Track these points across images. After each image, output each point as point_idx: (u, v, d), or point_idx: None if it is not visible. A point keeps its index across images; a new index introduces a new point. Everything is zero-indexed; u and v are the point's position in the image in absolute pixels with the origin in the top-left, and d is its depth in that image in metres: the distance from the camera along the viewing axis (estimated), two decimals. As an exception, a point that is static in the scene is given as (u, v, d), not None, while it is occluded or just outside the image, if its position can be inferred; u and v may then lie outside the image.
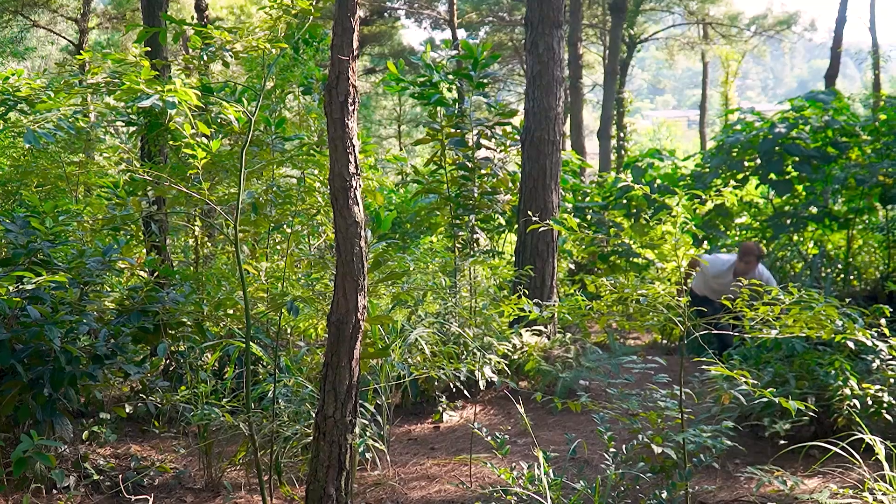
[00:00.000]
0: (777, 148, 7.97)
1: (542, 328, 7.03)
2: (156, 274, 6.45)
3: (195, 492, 4.59)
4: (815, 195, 8.23)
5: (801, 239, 8.67)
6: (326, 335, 6.32)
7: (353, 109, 3.27)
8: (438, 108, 7.76)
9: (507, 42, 30.31)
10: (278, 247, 8.07)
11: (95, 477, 4.54)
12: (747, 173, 8.54)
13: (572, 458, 4.47)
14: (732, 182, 8.66)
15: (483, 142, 7.70)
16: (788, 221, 8.18)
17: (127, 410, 5.21)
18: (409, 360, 5.89)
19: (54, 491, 4.39)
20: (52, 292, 4.32)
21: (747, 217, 9.46)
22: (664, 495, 3.35)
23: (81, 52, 5.94)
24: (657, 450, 3.81)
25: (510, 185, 8.08)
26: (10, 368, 4.16)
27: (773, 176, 8.15)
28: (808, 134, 8.06)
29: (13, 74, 5.54)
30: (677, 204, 9.12)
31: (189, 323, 5.29)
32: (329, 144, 3.30)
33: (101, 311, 5.18)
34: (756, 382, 3.56)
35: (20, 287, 3.65)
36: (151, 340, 5.08)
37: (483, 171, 7.62)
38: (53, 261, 4.52)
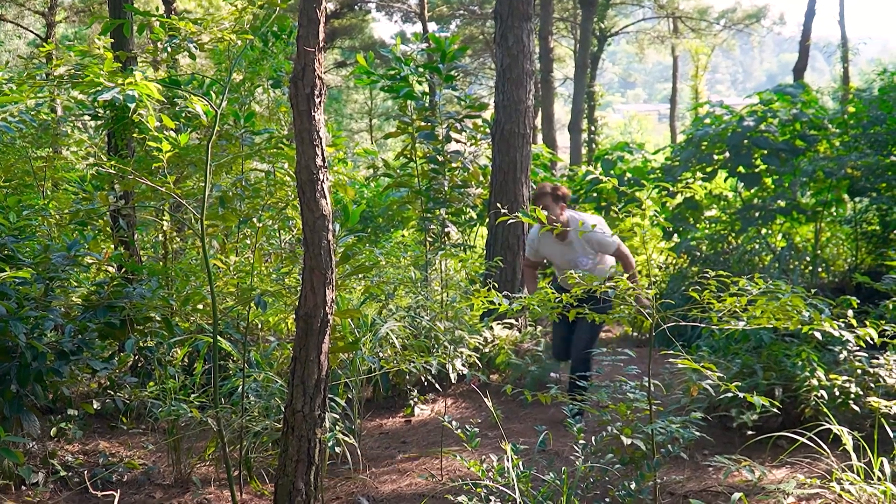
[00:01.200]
0: (746, 141, 8.02)
1: (512, 321, 7.05)
2: (123, 269, 6.39)
3: (164, 488, 4.55)
4: (784, 188, 8.30)
5: (770, 231, 8.73)
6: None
7: (320, 101, 3.25)
8: (409, 102, 7.74)
9: (479, 35, 30.32)
10: (248, 241, 8.02)
11: (63, 473, 4.49)
12: (716, 166, 8.59)
13: (542, 450, 4.48)
14: (701, 175, 8.72)
15: (453, 135, 7.69)
16: (757, 214, 8.23)
17: (95, 407, 5.16)
18: (380, 353, 5.87)
19: (23, 487, 4.34)
20: (17, 288, 4.26)
21: (716, 210, 9.52)
22: (633, 486, 3.37)
23: (46, 44, 5.86)
24: (626, 441, 3.83)
25: (481, 178, 8.07)
26: (-25, 364, 4.11)
27: (741, 169, 8.19)
28: (777, 127, 8.11)
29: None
30: (647, 197, 9.19)
31: (157, 318, 5.25)
32: (296, 137, 3.28)
33: (67, 307, 5.12)
34: (723, 375, 3.58)
35: (-17, 282, 3.60)
36: (119, 336, 5.03)
37: (454, 165, 7.61)
38: (18, 256, 4.46)
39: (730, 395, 4.92)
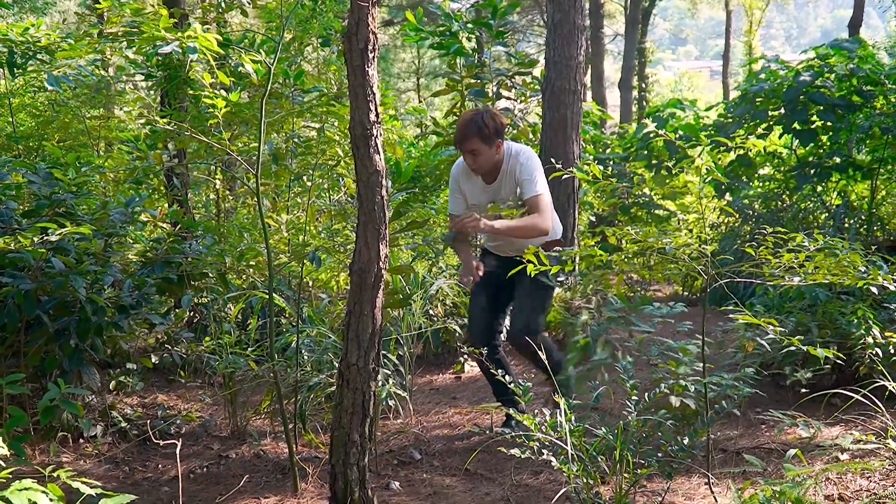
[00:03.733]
0: (802, 97, 7.83)
1: (562, 279, 7.03)
2: (178, 226, 6.48)
3: (221, 440, 4.66)
4: (840, 144, 8.11)
5: (825, 189, 8.56)
6: (348, 286, 6.35)
7: (373, 57, 3.24)
8: (458, 59, 7.69)
9: (527, -8, 29.90)
10: (298, 199, 8.09)
11: (123, 425, 4.61)
12: (771, 123, 8.42)
13: (594, 407, 4.49)
14: (755, 132, 8.54)
15: (503, 92, 7.64)
16: (812, 171, 8.05)
17: (153, 361, 5.27)
18: (431, 311, 5.92)
19: (81, 440, 4.46)
20: (77, 243, 4.36)
21: (770, 168, 9.35)
22: (686, 442, 3.36)
23: (99, 3, 5.92)
24: (675, 400, 3.82)
25: (530, 136, 8.02)
26: (37, 319, 4.22)
27: (797, 125, 8.00)
28: (833, 82, 7.91)
29: (32, 26, 5.52)
30: (699, 154, 9.04)
31: (212, 274, 5.33)
32: (349, 92, 3.28)
33: (124, 263, 5.22)
34: (783, 329, 3.55)
35: (44, 238, 3.68)
36: (175, 291, 5.12)
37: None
38: (77, 212, 4.55)
39: (783, 352, 4.90)
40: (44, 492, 2.41)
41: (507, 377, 4.20)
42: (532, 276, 4.03)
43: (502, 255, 4.60)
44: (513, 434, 3.31)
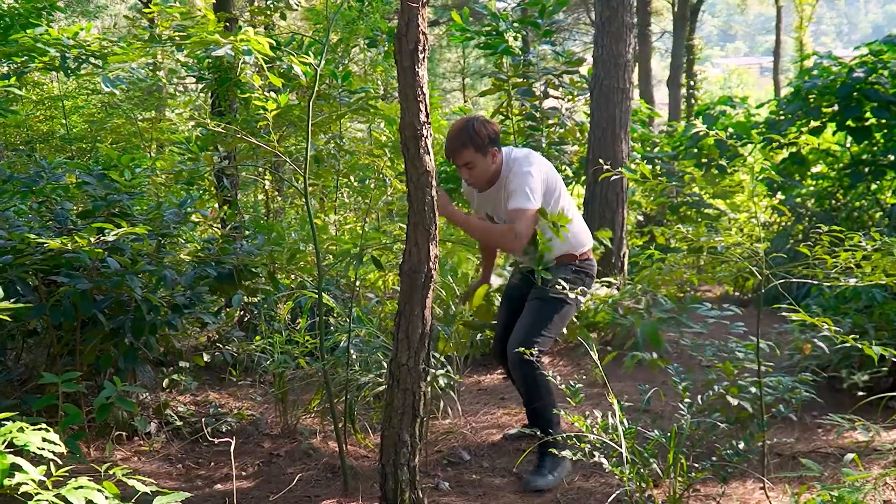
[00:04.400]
0: (855, 93, 7.70)
1: (611, 279, 6.98)
2: (230, 226, 6.55)
3: (272, 438, 4.70)
4: (894, 142, 7.95)
5: (880, 187, 8.39)
6: (396, 286, 6.37)
7: (424, 57, 3.24)
8: (504, 58, 7.68)
9: (574, -10, 29.72)
10: (346, 199, 8.14)
11: (177, 423, 4.67)
12: (824, 120, 8.28)
13: (645, 409, 4.45)
14: (808, 129, 8.40)
15: (550, 91, 7.61)
16: (866, 169, 7.91)
17: (205, 359, 5.34)
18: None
19: (135, 437, 4.53)
20: (131, 244, 4.43)
21: (823, 166, 9.19)
22: (741, 446, 3.32)
23: (150, 5, 6.02)
24: (733, 401, 3.77)
25: (578, 135, 7.98)
26: (92, 318, 4.29)
27: (850, 122, 7.88)
28: (888, 79, 7.75)
29: (82, 30, 5.61)
30: (750, 152, 8.91)
31: (262, 274, 5.38)
32: (399, 93, 3.28)
33: (176, 263, 5.29)
34: (839, 329, 3.49)
35: (101, 238, 3.74)
36: (227, 291, 5.17)
37: (551, 121, 7.54)
38: (132, 213, 4.62)
39: (840, 355, 4.81)
40: (99, 490, 2.45)
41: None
42: (540, 290, 4.01)
43: (524, 268, 4.32)
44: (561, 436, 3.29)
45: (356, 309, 5.33)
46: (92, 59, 5.87)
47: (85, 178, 4.57)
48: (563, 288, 3.94)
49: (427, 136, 3.29)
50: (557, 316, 4.12)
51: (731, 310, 4.10)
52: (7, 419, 2.53)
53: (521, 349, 3.80)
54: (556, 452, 3.25)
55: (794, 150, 8.49)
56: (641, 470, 3.12)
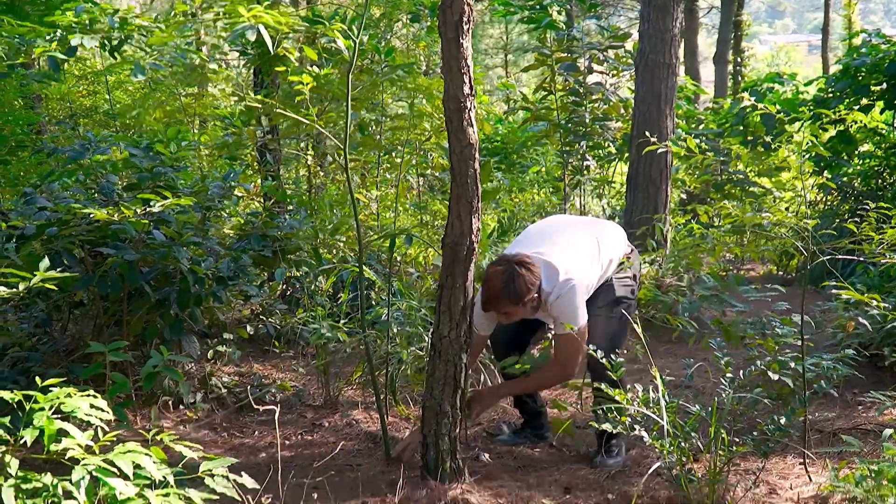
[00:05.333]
0: (904, 72, 7.58)
1: (654, 257, 6.93)
2: (273, 200, 6.60)
3: (315, 408, 4.76)
4: (944, 122, 7.81)
5: (927, 166, 8.23)
6: (436, 261, 6.38)
7: (468, 29, 3.23)
8: (548, 33, 7.63)
9: (618, -35, 29.35)
10: (387, 175, 8.16)
11: (222, 392, 4.75)
12: (873, 98, 8.13)
13: (686, 385, 4.44)
14: (857, 108, 8.25)
15: (594, 66, 7.55)
16: (914, 148, 7.81)
17: (248, 331, 5.40)
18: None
19: (181, 406, 4.61)
20: (177, 216, 4.48)
21: (870, 144, 9.03)
22: (782, 421, 3.29)
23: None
24: (774, 377, 3.74)
25: (622, 111, 7.91)
26: (138, 289, 4.36)
27: (899, 101, 7.76)
28: (937, 58, 7.60)
29: (118, 10, 5.68)
30: (799, 129, 8.76)
31: (305, 248, 5.42)
32: (443, 65, 3.28)
33: (220, 237, 5.36)
34: (887, 305, 3.44)
35: (147, 210, 3.79)
36: (270, 264, 5.23)
37: (594, 97, 7.48)
38: (177, 186, 4.67)
39: (882, 333, 4.75)
40: (147, 454, 2.50)
41: (530, 400, 4.22)
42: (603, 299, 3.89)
43: None
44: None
45: (397, 283, 5.36)
46: (132, 41, 5.92)
47: (131, 151, 4.63)
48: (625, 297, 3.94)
49: (471, 109, 3.29)
50: (620, 320, 3.96)
51: (776, 289, 4.06)
52: (54, 386, 2.59)
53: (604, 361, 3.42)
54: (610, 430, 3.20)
55: (841, 128, 8.35)
56: (682, 444, 3.12)
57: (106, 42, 5.19)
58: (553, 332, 3.85)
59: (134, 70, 4.98)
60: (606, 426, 3.17)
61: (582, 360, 3.79)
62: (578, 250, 3.83)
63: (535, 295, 3.65)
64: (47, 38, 5.44)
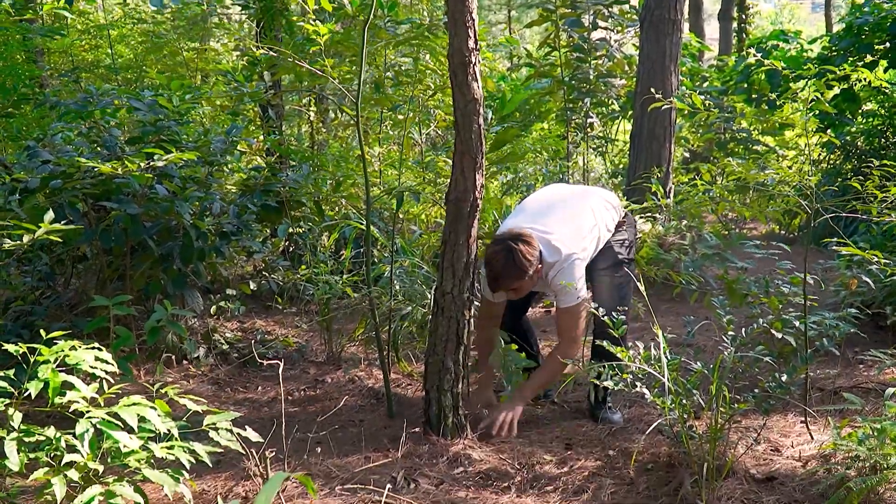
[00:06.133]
0: (907, 30, 7.52)
1: (656, 215, 6.92)
2: (276, 156, 6.57)
3: (317, 364, 4.78)
4: (946, 80, 7.76)
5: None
6: (438, 218, 6.38)
7: (474, -18, 3.20)
8: (553, -12, 7.53)
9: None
10: (391, 132, 8.11)
11: (224, 348, 4.77)
12: (876, 57, 8.06)
13: (688, 343, 4.45)
14: (861, 65, 8.18)
15: (599, 22, 7.47)
16: (918, 107, 7.76)
17: (251, 287, 5.41)
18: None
19: (184, 361, 4.63)
20: (180, 170, 4.47)
21: (874, 103, 8.97)
22: (784, 378, 3.31)
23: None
24: (777, 335, 3.75)
25: (626, 68, 7.84)
26: (141, 243, 4.36)
27: (902, 60, 7.71)
28: (940, 16, 7.53)
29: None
30: (804, 87, 8.67)
31: (308, 204, 5.41)
32: (448, 19, 3.24)
33: (223, 192, 5.34)
34: (889, 262, 3.44)
35: (150, 164, 3.78)
36: (274, 220, 5.22)
37: (599, 53, 7.41)
38: (180, 139, 4.65)
39: (885, 292, 4.76)
40: (152, 407, 2.52)
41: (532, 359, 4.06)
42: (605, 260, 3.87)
43: None
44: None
45: (400, 241, 5.36)
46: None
47: (135, 104, 4.60)
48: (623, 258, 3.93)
49: (475, 63, 3.26)
50: (627, 284, 3.99)
51: (779, 246, 4.06)
52: (58, 339, 2.59)
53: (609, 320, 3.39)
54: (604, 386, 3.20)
55: (845, 86, 8.29)
56: (683, 401, 3.13)
57: None
58: (555, 308, 3.86)
59: (153, 0, 4.90)
60: (608, 383, 3.18)
61: (586, 329, 3.85)
62: (577, 223, 3.82)
63: (539, 266, 3.63)
64: None
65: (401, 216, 6.55)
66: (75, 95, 5.15)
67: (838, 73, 3.92)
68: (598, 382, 3.22)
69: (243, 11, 7.12)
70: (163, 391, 2.71)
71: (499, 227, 5.54)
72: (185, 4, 4.93)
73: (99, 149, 4.54)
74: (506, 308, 4.02)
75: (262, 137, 7.17)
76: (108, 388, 2.61)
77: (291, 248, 6.19)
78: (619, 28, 7.72)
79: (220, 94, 6.14)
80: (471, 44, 3.22)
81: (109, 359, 2.63)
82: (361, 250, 5.12)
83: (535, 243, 3.61)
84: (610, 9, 7.51)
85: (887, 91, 8.66)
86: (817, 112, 4.22)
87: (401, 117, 6.38)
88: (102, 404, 2.51)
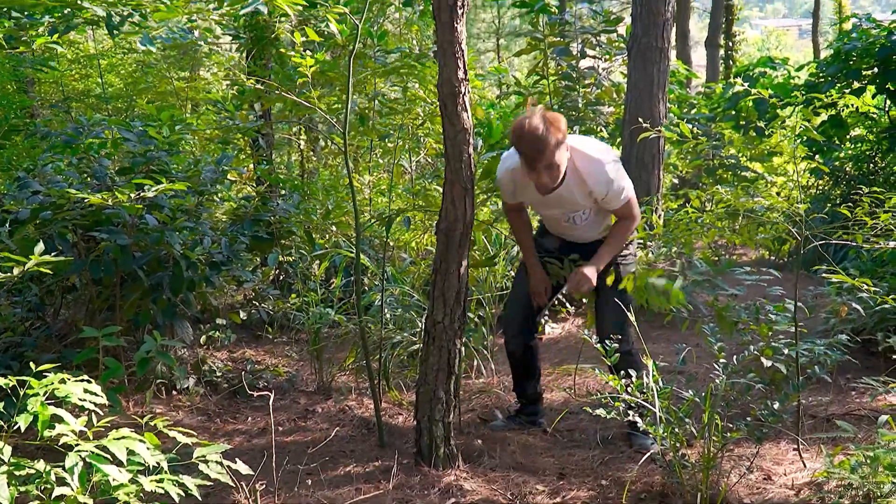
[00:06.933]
0: (894, 56, 7.57)
1: (645, 242, 6.93)
2: (266, 185, 6.58)
3: (308, 394, 4.76)
4: (935, 106, 7.82)
5: (920, 151, 8.24)
6: (429, 246, 6.38)
7: (462, 13, 3.21)
8: (541, 17, 7.60)
9: (611, -52, 29.24)
10: (380, 160, 8.14)
11: (215, 378, 4.74)
12: (864, 83, 8.14)
13: (679, 370, 4.45)
14: (849, 92, 8.26)
15: (587, 51, 7.53)
16: (905, 134, 7.81)
17: (241, 317, 5.39)
18: (512, 272, 5.90)
19: (174, 392, 4.60)
20: (170, 200, 4.46)
21: (862, 129, 9.04)
22: (776, 406, 3.30)
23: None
24: (767, 363, 3.75)
25: (614, 96, 7.90)
26: (131, 274, 4.34)
27: (890, 86, 7.75)
28: (927, 42, 7.60)
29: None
30: (791, 114, 8.75)
31: (298, 233, 5.41)
32: (437, 49, 3.26)
33: (213, 221, 5.33)
34: (879, 290, 3.45)
35: (140, 194, 3.77)
36: (264, 249, 5.22)
37: (587, 82, 7.46)
38: (171, 170, 4.65)
39: (875, 318, 4.77)
40: (141, 440, 2.49)
41: (533, 384, 4.17)
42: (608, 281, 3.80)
43: (570, 239, 4.05)
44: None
45: (390, 268, 5.35)
46: (137, 16, 5.86)
47: (125, 135, 4.60)
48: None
49: (465, 94, 3.28)
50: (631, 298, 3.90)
51: (771, 273, 4.06)
52: (48, 371, 2.58)
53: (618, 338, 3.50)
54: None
55: (833, 113, 8.36)
56: (675, 429, 3.12)
57: (113, 13, 5.11)
58: (612, 207, 3.82)
59: (143, 40, 4.92)
60: (600, 412, 3.17)
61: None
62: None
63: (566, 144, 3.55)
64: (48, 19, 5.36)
65: (391, 244, 6.55)
66: (66, 125, 5.15)
67: (826, 100, 3.94)
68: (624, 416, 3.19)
69: (234, 41, 7.14)
70: (152, 423, 2.68)
71: (489, 254, 5.56)
72: (181, 37, 4.93)
73: (89, 179, 4.53)
74: (519, 324, 4.09)
75: (252, 166, 7.18)
76: (98, 421, 2.58)
77: (282, 277, 6.18)
78: (608, 56, 7.78)
79: (210, 124, 6.14)
80: (460, 74, 3.24)
81: (98, 391, 2.61)
82: (352, 278, 5.12)
83: (559, 119, 3.53)
84: (598, 37, 7.58)
85: (875, 116, 8.74)
86: (805, 139, 4.26)
87: (391, 145, 6.42)
88: (92, 437, 2.49)
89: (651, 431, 3.11)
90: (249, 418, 4.39)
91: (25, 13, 4.95)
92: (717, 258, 8.02)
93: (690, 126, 9.20)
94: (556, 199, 3.75)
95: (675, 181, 10.54)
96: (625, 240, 3.90)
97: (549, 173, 3.53)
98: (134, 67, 9.54)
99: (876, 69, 7.81)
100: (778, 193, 8.74)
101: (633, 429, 3.82)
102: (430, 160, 7.92)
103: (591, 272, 3.76)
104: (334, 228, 6.16)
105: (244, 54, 7.56)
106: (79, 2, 3.85)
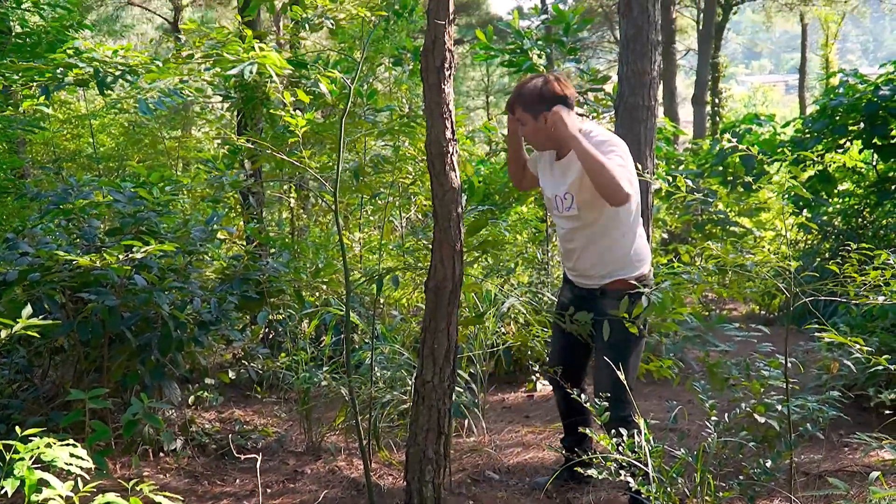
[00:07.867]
0: (881, 111, 7.66)
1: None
2: (256, 243, 6.59)
3: (297, 455, 4.70)
4: (921, 160, 7.91)
5: (907, 206, 8.33)
6: (420, 303, 6.36)
7: (450, 74, 3.26)
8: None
9: (597, 8, 29.76)
10: (371, 217, 8.16)
11: (204, 440, 4.69)
12: (851, 138, 8.24)
13: (671, 428, 4.42)
14: (835, 147, 8.36)
15: (576, 109, 7.61)
16: (893, 188, 7.87)
17: (230, 376, 5.35)
18: (502, 329, 5.89)
19: (161, 454, 4.55)
20: (159, 261, 4.46)
21: (850, 183, 9.13)
22: (768, 464, 3.28)
23: (180, 27, 6.08)
24: (760, 419, 3.73)
25: (603, 152, 7.95)
26: (119, 335, 4.32)
27: (877, 140, 7.85)
28: (914, 96, 7.71)
29: (122, 49, 5.68)
30: (778, 170, 8.83)
31: (288, 291, 5.40)
32: (425, 110, 3.30)
33: (202, 280, 5.32)
34: (870, 349, 3.45)
35: (129, 256, 3.77)
36: (253, 308, 5.20)
37: (576, 139, 7.52)
38: (160, 230, 4.65)
39: (867, 374, 4.76)
40: (126, 506, 2.46)
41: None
42: (612, 324, 3.59)
43: (579, 283, 3.90)
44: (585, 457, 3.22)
45: (380, 326, 5.34)
46: (128, 77, 5.92)
47: (114, 196, 4.62)
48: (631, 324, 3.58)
49: (453, 153, 3.31)
50: (633, 357, 3.77)
51: (760, 330, 4.07)
52: (34, 435, 2.56)
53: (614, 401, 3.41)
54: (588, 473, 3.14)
55: (820, 168, 8.45)
56: (668, 489, 3.09)
57: (101, 70, 5.14)
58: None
59: (140, 106, 4.96)
60: (592, 472, 3.14)
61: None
62: None
63: (547, 114, 3.57)
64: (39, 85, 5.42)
65: (381, 301, 6.54)
66: (56, 186, 5.16)
67: (814, 158, 3.98)
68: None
69: (224, 101, 7.21)
70: (138, 488, 2.65)
71: (478, 310, 5.55)
72: (176, 98, 4.97)
73: (78, 240, 4.53)
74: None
75: (242, 224, 7.19)
76: (84, 486, 2.55)
77: (271, 336, 6.15)
78: (595, 114, 7.86)
79: (201, 184, 6.17)
80: (448, 134, 3.27)
81: (84, 455, 2.58)
82: (342, 336, 5.10)
83: (567, 88, 3.67)
84: (585, 96, 7.66)
85: (862, 171, 8.83)
86: (793, 194, 4.30)
87: (381, 203, 6.44)
88: (78, 502, 2.46)
89: (643, 491, 3.07)
90: (237, 480, 4.33)
91: (19, 74, 5.00)
92: (707, 313, 8.03)
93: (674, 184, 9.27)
94: (561, 173, 3.71)
95: (665, 236, 10.59)
96: (602, 166, 3.31)
97: (520, 126, 3.73)
98: (124, 128, 9.60)
99: (862, 124, 7.91)
100: (764, 247, 8.80)
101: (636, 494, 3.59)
102: (420, 217, 7.95)
103: (565, 115, 3.53)
104: (325, 286, 6.16)
105: (235, 114, 7.63)
106: (68, 60, 3.89)
